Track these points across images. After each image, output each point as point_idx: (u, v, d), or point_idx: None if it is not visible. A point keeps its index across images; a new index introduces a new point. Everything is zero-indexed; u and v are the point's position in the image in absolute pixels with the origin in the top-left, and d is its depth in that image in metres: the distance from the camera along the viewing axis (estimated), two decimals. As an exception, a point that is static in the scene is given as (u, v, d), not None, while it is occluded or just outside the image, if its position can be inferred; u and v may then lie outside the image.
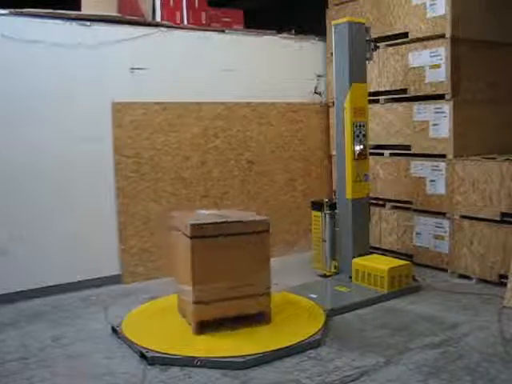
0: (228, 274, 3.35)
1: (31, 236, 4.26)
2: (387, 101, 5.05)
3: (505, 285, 3.92)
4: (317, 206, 4.72)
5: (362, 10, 5.18)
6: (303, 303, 3.87)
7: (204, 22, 5.19)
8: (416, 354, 3.11)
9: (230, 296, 3.35)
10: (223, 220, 3.42)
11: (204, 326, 3.32)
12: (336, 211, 4.55)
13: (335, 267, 4.57)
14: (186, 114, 4.90)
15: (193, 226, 3.28)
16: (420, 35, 4.68)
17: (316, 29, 5.70)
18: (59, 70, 4.33)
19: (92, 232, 4.50)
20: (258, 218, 3.56)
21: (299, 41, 5.59)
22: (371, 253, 4.57)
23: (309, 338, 3.25)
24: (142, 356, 3.09)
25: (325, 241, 4.63)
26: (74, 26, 4.38)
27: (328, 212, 4.60)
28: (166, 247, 4.29)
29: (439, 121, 4.59)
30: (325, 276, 4.59)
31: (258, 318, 3.43)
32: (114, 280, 4.60)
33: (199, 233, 3.29)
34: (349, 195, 4.39)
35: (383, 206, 5.14)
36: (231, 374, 2.91)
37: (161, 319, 3.62)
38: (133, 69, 4.63)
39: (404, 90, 4.88)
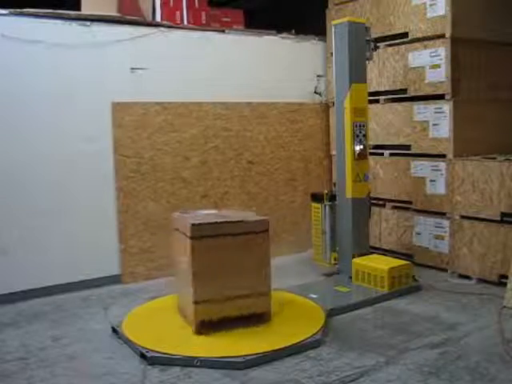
0: (227, 273, 3.36)
1: (31, 236, 4.26)
2: (387, 101, 5.05)
3: (505, 285, 3.92)
4: (317, 197, 4.72)
5: (362, 10, 5.18)
6: (303, 303, 3.87)
7: (204, 21, 5.19)
8: (416, 354, 3.10)
9: (230, 296, 3.36)
10: (223, 220, 3.43)
11: (204, 326, 3.32)
12: (336, 202, 4.55)
13: (335, 259, 4.58)
14: (186, 114, 4.90)
15: (193, 225, 3.29)
16: (420, 35, 4.68)
17: (316, 29, 5.70)
18: (59, 70, 4.32)
19: (92, 232, 4.50)
20: (257, 218, 3.55)
21: (299, 41, 5.59)
22: (371, 253, 4.58)
23: (309, 337, 3.25)
24: (142, 356, 3.09)
25: (325, 233, 4.63)
26: (73, 26, 4.38)
27: (328, 204, 4.60)
28: (166, 247, 4.30)
29: (439, 121, 4.59)
30: (327, 275, 4.59)
31: (258, 319, 3.42)
32: (114, 280, 4.60)
33: (198, 233, 3.30)
34: (349, 195, 4.39)
35: (383, 206, 5.14)
36: (231, 374, 2.91)
37: (161, 319, 3.62)
38: (133, 69, 4.63)
39: (404, 90, 4.88)
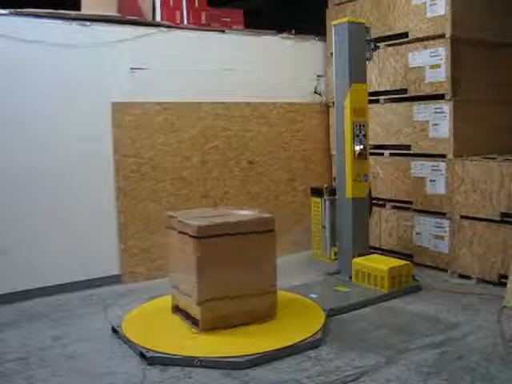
0: (178, 268, 3.62)
1: (31, 236, 4.26)
2: (387, 101, 5.05)
3: (505, 285, 3.92)
4: (317, 192, 4.72)
5: (362, 10, 5.18)
6: (303, 303, 3.87)
7: (204, 21, 5.19)
8: (416, 354, 3.11)
9: (180, 288, 3.60)
10: (179, 217, 3.58)
11: (175, 310, 3.69)
12: (336, 197, 4.55)
13: (335, 254, 4.58)
14: (185, 114, 4.90)
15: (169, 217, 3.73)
16: (420, 35, 4.68)
17: (316, 29, 5.70)
18: (59, 70, 4.33)
19: (92, 232, 4.50)
20: (197, 222, 3.41)
21: (299, 41, 5.59)
22: (371, 253, 4.58)
23: (309, 337, 3.25)
24: (142, 356, 3.09)
25: (325, 227, 4.63)
26: (73, 26, 4.38)
27: (328, 198, 4.60)
28: (166, 247, 4.29)
29: (439, 121, 4.59)
30: (330, 274, 4.58)
31: (194, 322, 3.41)
32: (114, 280, 4.60)
33: (167, 224, 3.71)
34: (349, 195, 4.39)
35: (383, 206, 5.14)
36: (231, 374, 2.91)
37: (161, 319, 3.62)
38: (133, 69, 4.63)
39: (404, 90, 4.88)
